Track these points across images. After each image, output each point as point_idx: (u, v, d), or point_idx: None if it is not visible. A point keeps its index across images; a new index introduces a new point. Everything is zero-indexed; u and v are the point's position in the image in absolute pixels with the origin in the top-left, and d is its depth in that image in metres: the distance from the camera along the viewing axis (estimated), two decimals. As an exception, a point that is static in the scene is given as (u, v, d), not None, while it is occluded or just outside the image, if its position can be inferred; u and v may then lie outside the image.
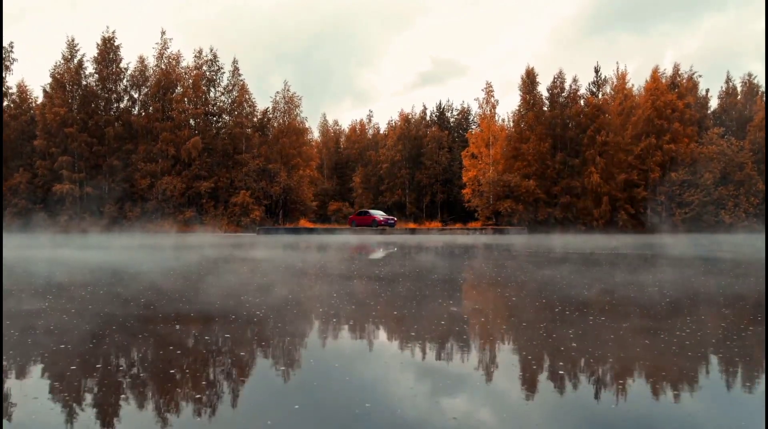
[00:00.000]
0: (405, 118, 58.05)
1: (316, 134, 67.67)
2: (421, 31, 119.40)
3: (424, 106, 65.63)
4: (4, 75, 43.28)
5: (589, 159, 44.26)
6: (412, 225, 44.58)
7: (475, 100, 47.72)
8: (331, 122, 68.59)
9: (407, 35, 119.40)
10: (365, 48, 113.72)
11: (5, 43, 43.49)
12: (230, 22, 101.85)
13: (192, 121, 44.76)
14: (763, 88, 49.52)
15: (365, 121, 67.62)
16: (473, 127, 57.09)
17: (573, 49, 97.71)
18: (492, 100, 45.90)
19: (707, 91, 54.68)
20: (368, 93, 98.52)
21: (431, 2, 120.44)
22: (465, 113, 63.69)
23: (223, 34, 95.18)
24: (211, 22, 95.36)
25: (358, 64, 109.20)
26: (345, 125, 79.56)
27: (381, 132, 64.90)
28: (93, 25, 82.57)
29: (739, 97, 53.55)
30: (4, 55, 43.40)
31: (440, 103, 62.55)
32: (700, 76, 52.02)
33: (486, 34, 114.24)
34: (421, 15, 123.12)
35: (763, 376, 3.49)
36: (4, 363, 3.62)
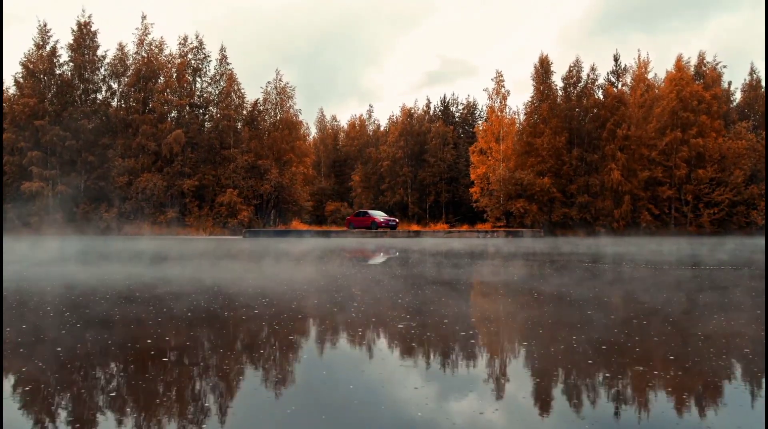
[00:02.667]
0: (407, 113, 54.30)
1: (313, 131, 64.14)
2: (428, 31, 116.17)
3: (428, 99, 61.98)
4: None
5: (609, 154, 40.51)
6: (415, 226, 40.87)
7: (484, 90, 43.54)
8: (329, 118, 64.85)
9: (415, 35, 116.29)
10: (372, 48, 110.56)
11: None
12: (237, 24, 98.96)
13: (175, 113, 41.04)
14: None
15: (365, 116, 63.94)
16: (479, 121, 53.39)
17: (581, 49, 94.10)
18: (502, 90, 42.13)
19: (729, 83, 51.03)
20: (374, 93, 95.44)
21: (439, 2, 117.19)
22: (471, 108, 60.04)
23: (230, 35, 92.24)
24: (218, 23, 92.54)
25: (364, 65, 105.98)
26: (344, 122, 76.07)
27: (382, 128, 61.18)
28: (99, 25, 79.31)
29: (763, 89, 49.85)
30: None
31: (444, 97, 58.90)
32: (724, 66, 48.39)
33: (494, 34, 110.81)
34: (428, 15, 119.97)
35: None
36: None
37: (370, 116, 64.13)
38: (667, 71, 44.91)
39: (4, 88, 43.38)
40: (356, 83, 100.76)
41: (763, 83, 48.47)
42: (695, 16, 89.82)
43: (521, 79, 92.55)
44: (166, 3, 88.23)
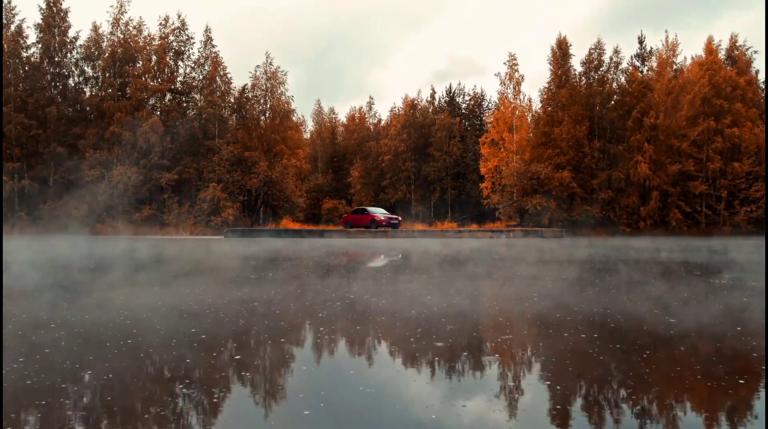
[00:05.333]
0: (410, 104, 50.18)
1: (310, 125, 60.22)
2: (436, 30, 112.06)
3: (432, 89, 57.65)
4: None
5: (635, 146, 36.51)
6: (420, 226, 36.90)
7: (495, 75, 38.58)
8: (326, 110, 60.71)
9: (422, 35, 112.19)
10: (379, 48, 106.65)
11: None
12: (244, 23, 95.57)
13: (154, 101, 37.12)
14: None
15: (365, 109, 59.76)
16: (488, 112, 49.40)
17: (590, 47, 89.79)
18: (516, 75, 38.10)
19: (757, 72, 46.92)
20: (380, 93, 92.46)
21: (446, 2, 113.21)
22: (478, 99, 56.07)
23: (237, 35, 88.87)
24: (226, 22, 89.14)
25: (371, 65, 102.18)
26: (343, 115, 72.36)
27: (383, 123, 56.93)
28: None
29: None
30: None
31: (450, 87, 54.96)
32: (755, 51, 44.23)
33: (502, 33, 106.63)
34: (435, 14, 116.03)
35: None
36: None
37: (370, 109, 59.89)
38: (693, 57, 40.92)
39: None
40: (362, 83, 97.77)
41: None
42: (705, 15, 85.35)
43: (530, 77, 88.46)
44: (169, 4, 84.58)
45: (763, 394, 2.58)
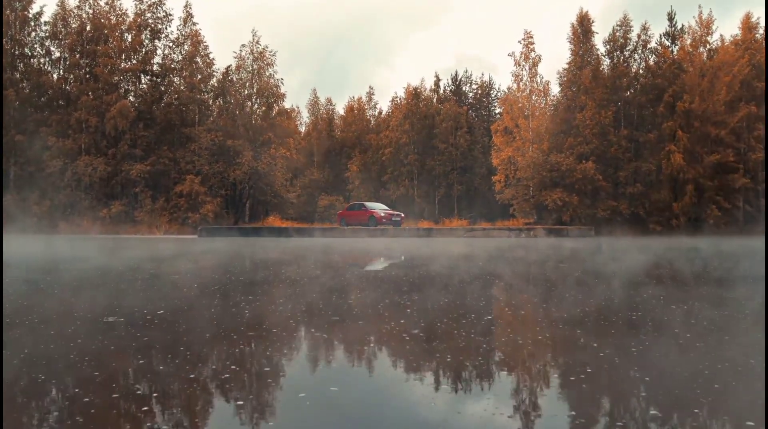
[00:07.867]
0: (412, 93, 46.01)
1: (305, 115, 56.23)
2: (444, 29, 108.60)
3: (436, 76, 53.58)
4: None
5: (667, 134, 32.43)
6: (425, 223, 32.88)
7: (509, 55, 34.13)
8: (323, 100, 56.55)
9: (428, 34, 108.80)
10: (384, 47, 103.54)
11: None
12: (247, 22, 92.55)
13: (128, 84, 33.14)
14: None
15: (365, 100, 55.48)
16: (497, 101, 45.34)
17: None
18: (533, 55, 34.03)
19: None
20: (385, 92, 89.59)
21: (451, 1, 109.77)
22: (485, 88, 52.06)
23: (239, 34, 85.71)
24: (231, 21, 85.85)
25: (376, 63, 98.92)
26: (341, 107, 68.34)
27: (384, 114, 52.72)
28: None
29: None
30: None
31: (456, 74, 50.88)
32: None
33: (511, 31, 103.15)
34: (441, 13, 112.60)
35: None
36: None
37: (370, 100, 55.55)
38: (722, 40, 36.68)
39: None
40: (368, 83, 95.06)
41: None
42: (717, 12, 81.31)
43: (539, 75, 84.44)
44: (177, 3, 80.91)
45: None
